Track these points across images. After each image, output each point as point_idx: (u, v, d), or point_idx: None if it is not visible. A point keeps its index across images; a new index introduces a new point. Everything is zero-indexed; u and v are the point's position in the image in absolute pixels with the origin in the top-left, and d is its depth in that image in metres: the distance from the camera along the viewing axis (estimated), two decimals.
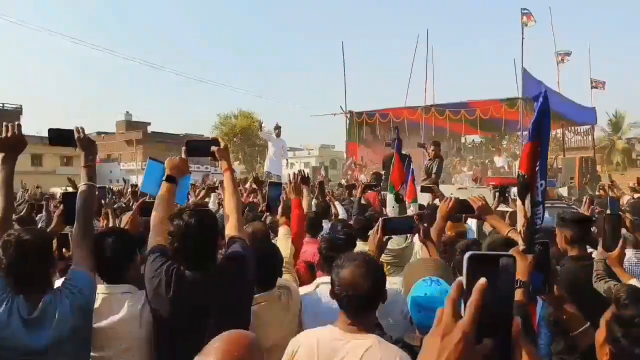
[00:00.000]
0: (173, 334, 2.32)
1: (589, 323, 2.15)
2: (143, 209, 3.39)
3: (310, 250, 4.22)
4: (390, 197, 5.38)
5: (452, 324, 0.87)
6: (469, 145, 25.47)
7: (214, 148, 2.90)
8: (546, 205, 7.76)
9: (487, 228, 5.27)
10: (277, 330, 2.74)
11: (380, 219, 2.97)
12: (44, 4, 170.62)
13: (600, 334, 1.73)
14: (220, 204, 6.62)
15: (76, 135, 2.72)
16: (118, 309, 2.44)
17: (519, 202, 2.36)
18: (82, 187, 2.66)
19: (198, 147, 2.98)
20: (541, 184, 2.39)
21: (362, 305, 2.13)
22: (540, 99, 2.34)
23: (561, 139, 21.61)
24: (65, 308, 2.25)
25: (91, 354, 2.39)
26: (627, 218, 4.43)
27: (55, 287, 2.37)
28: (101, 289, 2.51)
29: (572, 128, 21.54)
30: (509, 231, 2.89)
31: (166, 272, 2.30)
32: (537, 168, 2.35)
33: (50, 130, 2.78)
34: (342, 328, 2.14)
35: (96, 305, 2.43)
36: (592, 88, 21.68)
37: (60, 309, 2.24)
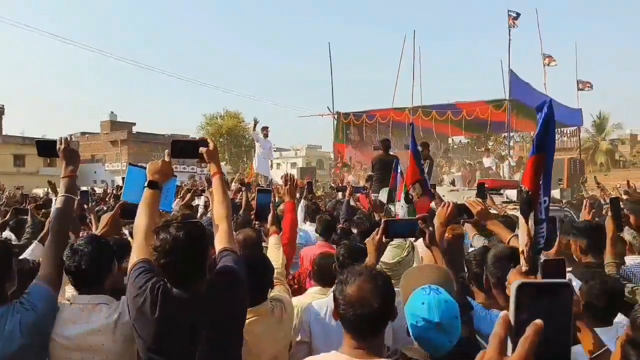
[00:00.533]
0: (159, 356, 2.14)
1: (607, 346, 2.05)
2: (124, 210, 3.20)
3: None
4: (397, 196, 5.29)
5: None
6: (455, 146, 25.57)
7: (202, 149, 2.66)
8: None
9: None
10: (271, 345, 2.61)
11: (382, 220, 2.81)
12: (35, 4, 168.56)
13: (615, 358, 1.65)
14: (206, 207, 6.48)
15: (58, 146, 2.74)
16: (91, 320, 2.36)
17: (521, 220, 2.23)
18: (59, 199, 2.64)
19: (184, 148, 2.70)
20: (545, 200, 2.26)
21: (371, 325, 1.92)
22: (545, 110, 2.14)
23: None
24: (15, 325, 2.20)
25: None
26: (632, 215, 4.36)
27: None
28: (76, 299, 2.45)
29: (558, 129, 21.68)
30: (511, 238, 2.81)
31: (151, 290, 2.11)
32: (540, 183, 2.22)
33: (37, 142, 2.87)
34: (348, 353, 1.92)
35: (69, 316, 2.37)
36: (578, 90, 21.82)
37: (9, 325, 2.20)
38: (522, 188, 2.33)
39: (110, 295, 2.50)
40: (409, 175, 5.14)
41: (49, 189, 8.15)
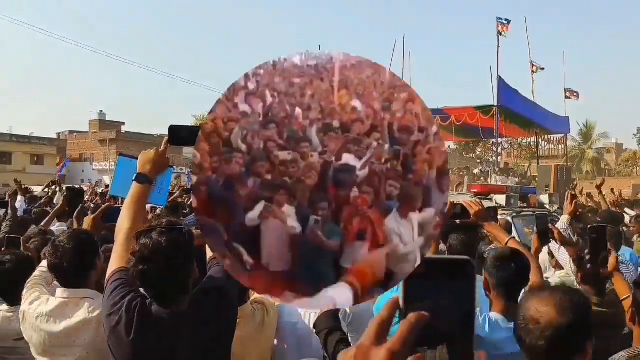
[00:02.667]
0: None
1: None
2: (108, 214, 3.02)
3: None
4: None
5: (369, 349, 0.64)
6: None
7: None
8: (528, 213, 7.74)
9: None
10: (253, 352, 2.51)
11: None
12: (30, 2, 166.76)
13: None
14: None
15: None
16: (72, 314, 2.33)
17: None
18: None
19: (183, 134, 2.45)
20: None
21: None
22: None
23: (535, 147, 21.91)
24: None
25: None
26: (555, 230, 4.52)
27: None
28: (60, 292, 2.42)
29: (545, 136, 21.85)
30: (509, 240, 2.75)
31: (127, 310, 1.88)
32: None
33: None
34: None
35: (51, 309, 2.35)
36: (565, 98, 21.97)
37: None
38: None
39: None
40: None
41: (17, 186, 8.25)
